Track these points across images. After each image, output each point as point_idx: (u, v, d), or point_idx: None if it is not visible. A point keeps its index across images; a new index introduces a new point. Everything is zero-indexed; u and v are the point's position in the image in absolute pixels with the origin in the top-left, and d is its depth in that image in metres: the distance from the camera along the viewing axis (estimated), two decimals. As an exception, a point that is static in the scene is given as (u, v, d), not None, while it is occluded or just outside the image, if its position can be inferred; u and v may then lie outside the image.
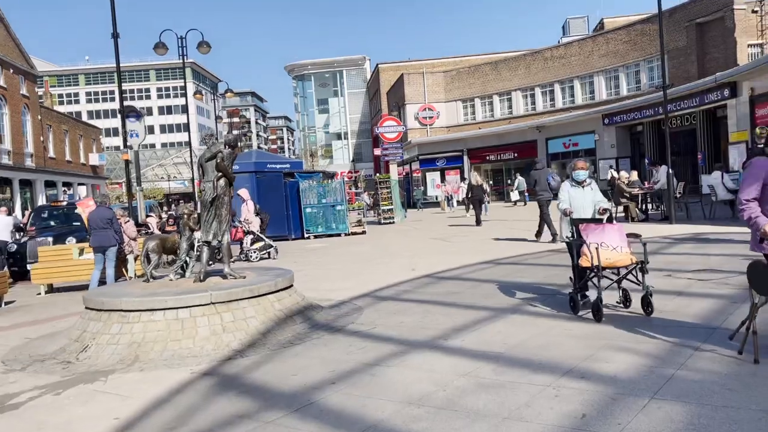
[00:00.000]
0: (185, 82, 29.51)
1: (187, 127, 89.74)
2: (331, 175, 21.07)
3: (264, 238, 14.39)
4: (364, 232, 20.35)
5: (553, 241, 12.18)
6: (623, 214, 16.76)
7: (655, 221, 15.71)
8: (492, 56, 48.77)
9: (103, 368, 5.38)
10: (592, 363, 4.42)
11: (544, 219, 12.98)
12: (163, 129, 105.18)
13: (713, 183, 14.15)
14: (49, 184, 44.07)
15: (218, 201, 6.89)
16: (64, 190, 45.91)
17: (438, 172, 44.16)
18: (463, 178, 42.36)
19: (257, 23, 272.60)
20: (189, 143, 23.28)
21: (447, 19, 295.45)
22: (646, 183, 19.51)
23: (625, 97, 34.87)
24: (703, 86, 25.39)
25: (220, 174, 6.92)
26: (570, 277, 6.43)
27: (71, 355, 5.80)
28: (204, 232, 6.91)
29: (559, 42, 46.24)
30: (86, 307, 6.36)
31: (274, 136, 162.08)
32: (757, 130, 9.45)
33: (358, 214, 21.25)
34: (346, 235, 20.08)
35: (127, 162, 14.96)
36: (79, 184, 49.34)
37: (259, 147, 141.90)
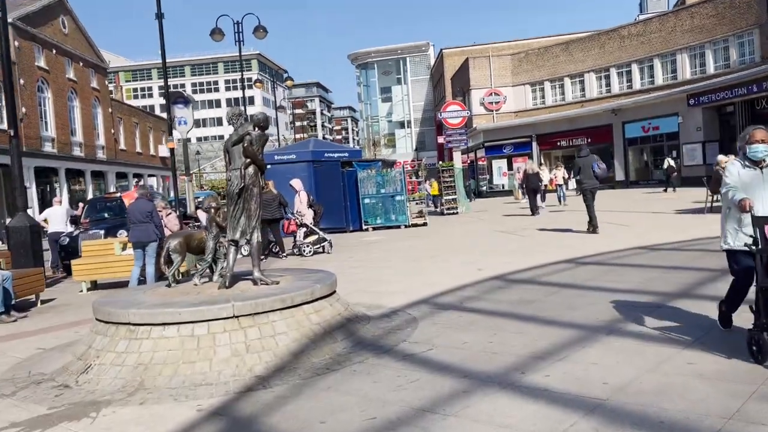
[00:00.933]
0: (242, 73, 28.69)
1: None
2: (391, 164, 19.93)
3: (318, 231, 13.41)
4: (425, 224, 19.11)
5: (594, 231, 12.13)
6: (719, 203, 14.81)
7: None
8: (562, 37, 46.13)
9: (100, 397, 4.43)
10: (744, 426, 3.07)
11: (588, 210, 12.44)
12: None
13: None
14: (120, 176, 45.12)
15: (247, 193, 5.83)
16: (136, 181, 46.99)
17: (505, 160, 42.24)
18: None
19: (320, 14, 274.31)
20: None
21: (514, 3, 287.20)
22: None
23: (711, 75, 31.91)
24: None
25: (249, 160, 5.85)
26: (750, 307, 4.21)
27: (71, 377, 4.90)
28: (230, 229, 5.89)
29: (636, 19, 43.12)
30: (95, 318, 5.47)
31: (338, 127, 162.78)
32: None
33: (419, 204, 19.98)
34: (406, 227, 18.91)
35: (172, 150, 14.27)
36: (149, 176, 50.40)
37: (324, 137, 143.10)
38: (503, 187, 41.47)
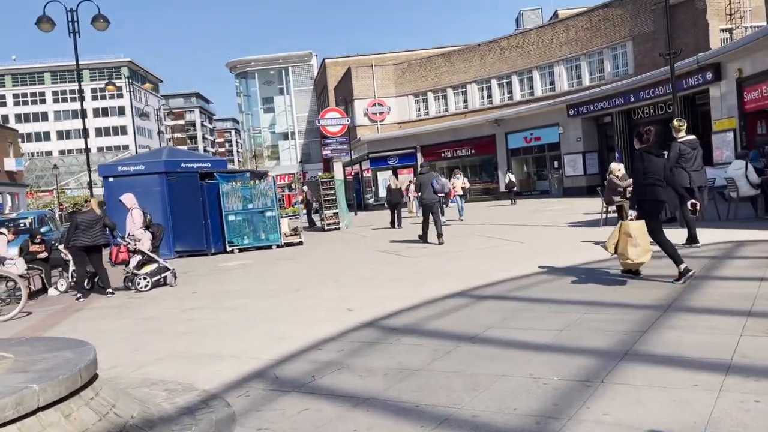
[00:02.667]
0: (79, 84, 24.97)
1: (123, 131, 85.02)
2: (261, 175, 17.45)
3: (157, 258, 10.72)
4: (300, 243, 16.84)
5: (440, 242, 12.76)
6: (615, 215, 13.75)
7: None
8: (445, 49, 45.78)
9: None
10: None
11: (423, 224, 13.60)
12: (99, 132, 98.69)
13: (734, 175, 11.22)
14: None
15: None
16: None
17: (389, 172, 40.86)
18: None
19: (200, 21, 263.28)
20: (86, 150, 19.32)
21: (396, 18, 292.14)
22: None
23: (587, 87, 32.38)
24: (681, 69, 22.85)
25: None
26: None
27: None
28: None
29: (515, 31, 43.58)
30: None
31: (221, 139, 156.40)
32: (675, 123, 8.64)
33: (292, 221, 17.67)
34: (278, 246, 16.53)
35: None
36: (-9, 193, 44.09)
37: (205, 150, 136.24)
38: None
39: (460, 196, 20.92)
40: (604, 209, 13.20)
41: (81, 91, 19.85)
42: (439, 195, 13.65)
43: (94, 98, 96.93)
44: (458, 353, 4.67)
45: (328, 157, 25.58)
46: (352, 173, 46.25)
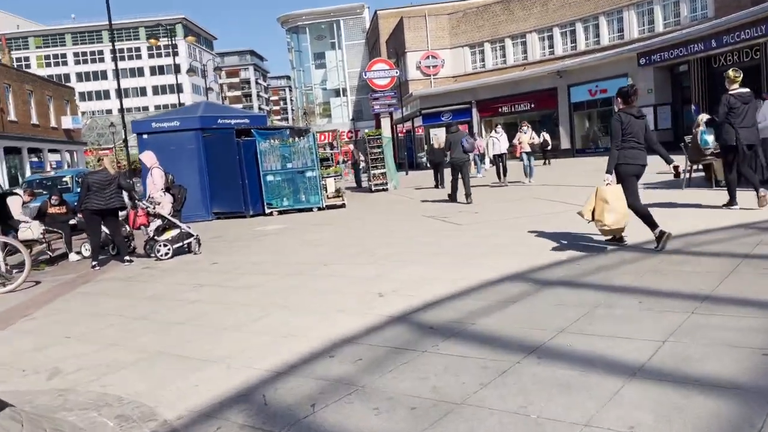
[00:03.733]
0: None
1: (180, 89, 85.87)
2: (303, 132, 16.18)
3: (179, 223, 9.74)
4: (343, 205, 15.66)
5: (468, 201, 12.93)
6: (701, 174, 11.88)
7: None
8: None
9: None
10: None
11: (452, 183, 13.80)
12: (155, 90, 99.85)
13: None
14: (11, 151, 39.48)
15: None
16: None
17: (443, 128, 39.00)
18: (471, 133, 37.33)
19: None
20: (121, 110, 18.50)
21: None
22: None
23: (660, 33, 29.45)
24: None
25: None
26: None
27: None
28: None
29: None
30: None
31: (276, 97, 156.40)
32: (731, 73, 7.86)
33: (336, 181, 16.46)
34: (319, 209, 15.41)
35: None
36: (50, 151, 44.80)
37: (260, 108, 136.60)
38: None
39: (527, 154, 17.24)
40: (688, 168, 11.34)
41: (114, 51, 18.88)
42: (469, 153, 13.84)
43: (150, 56, 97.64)
44: (517, 376, 3.34)
45: (376, 113, 24.15)
46: (404, 130, 44.63)
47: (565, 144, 32.78)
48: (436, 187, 18.88)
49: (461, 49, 40.68)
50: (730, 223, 7.21)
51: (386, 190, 20.65)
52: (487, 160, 23.91)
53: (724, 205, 8.25)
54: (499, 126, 15.86)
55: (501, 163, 17.49)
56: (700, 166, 11.47)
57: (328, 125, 63.23)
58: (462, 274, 5.95)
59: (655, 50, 26.43)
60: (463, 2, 46.08)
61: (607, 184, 6.07)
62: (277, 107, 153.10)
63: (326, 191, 16.33)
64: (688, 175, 11.38)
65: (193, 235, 9.71)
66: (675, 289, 4.70)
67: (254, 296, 6.07)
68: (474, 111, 37.16)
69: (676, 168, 6.62)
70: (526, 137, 17.42)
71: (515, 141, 17.47)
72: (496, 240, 8.00)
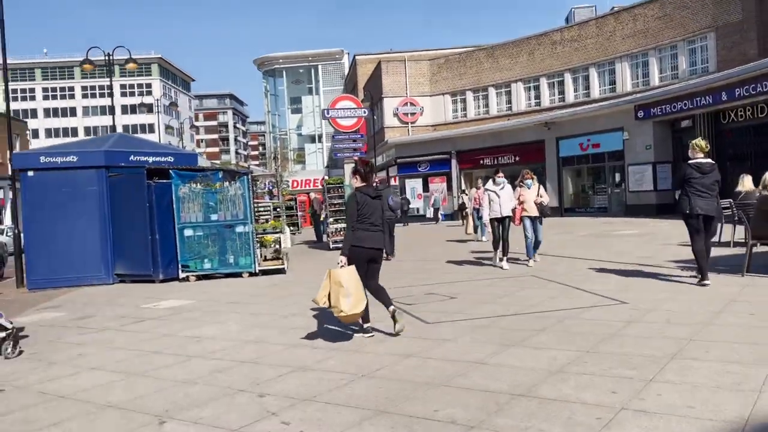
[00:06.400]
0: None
1: (151, 129, 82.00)
2: (240, 175, 12.71)
3: (-11, 307, 6.16)
4: (282, 270, 12.19)
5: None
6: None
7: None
8: (486, 44, 40.92)
9: None
10: None
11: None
12: (126, 130, 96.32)
13: None
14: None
15: None
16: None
17: (420, 179, 36.07)
18: (449, 188, 34.42)
19: (233, 23, 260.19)
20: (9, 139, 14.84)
21: (435, 21, 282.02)
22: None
23: (655, 87, 27.10)
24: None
25: None
26: None
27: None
28: None
29: (570, 22, 38.33)
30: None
31: (255, 142, 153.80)
32: (699, 142, 7.70)
33: (275, 239, 12.96)
34: (251, 275, 11.93)
35: None
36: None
37: (236, 152, 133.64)
38: (418, 211, 35.27)
39: (532, 219, 11.03)
40: (751, 244, 8.14)
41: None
42: (396, 212, 13.38)
43: (123, 95, 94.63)
44: None
45: (338, 158, 21.04)
46: (378, 181, 41.63)
47: (552, 202, 29.84)
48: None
49: (441, 97, 38.20)
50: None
51: (347, 248, 17.28)
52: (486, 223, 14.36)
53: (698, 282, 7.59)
54: (501, 174, 11.09)
55: (502, 231, 10.97)
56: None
57: (302, 172, 60.21)
58: None
59: (655, 103, 23.87)
60: (445, 49, 43.92)
61: (341, 266, 5.68)
62: (255, 152, 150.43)
63: (264, 250, 12.92)
64: (748, 252, 8.18)
65: (7, 329, 6.15)
66: None
67: None
68: (453, 162, 34.29)
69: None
70: (531, 194, 11.05)
71: (515, 202, 11.13)
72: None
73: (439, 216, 32.68)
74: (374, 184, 6.14)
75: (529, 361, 4.71)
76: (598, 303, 6.93)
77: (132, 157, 12.83)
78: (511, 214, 10.89)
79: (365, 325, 5.95)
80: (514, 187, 11.22)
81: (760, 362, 4.27)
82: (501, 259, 10.89)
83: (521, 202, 10.96)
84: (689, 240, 7.71)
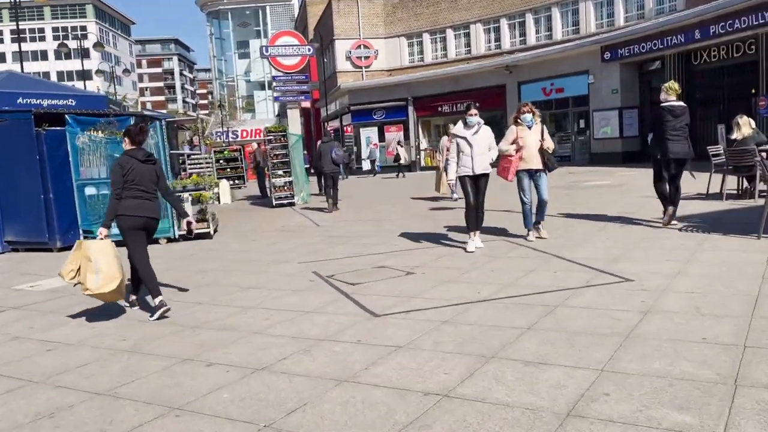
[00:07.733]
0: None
1: (86, 75, 76.96)
2: (151, 120, 10.55)
3: None
4: (209, 235, 10.33)
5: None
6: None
7: None
8: (445, -17, 38.43)
9: None
10: None
11: (326, 191, 13.52)
12: (61, 76, 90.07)
13: None
14: None
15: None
16: None
17: (375, 128, 34.10)
18: (406, 137, 32.61)
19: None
20: None
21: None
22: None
23: (621, 27, 25.54)
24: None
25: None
26: None
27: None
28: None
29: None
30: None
31: (203, 90, 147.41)
32: (673, 85, 7.61)
33: (202, 198, 10.97)
34: (170, 240, 10.05)
35: None
36: None
37: (184, 101, 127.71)
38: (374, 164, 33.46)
39: (531, 174, 7.68)
40: (749, 191, 6.68)
41: None
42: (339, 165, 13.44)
43: (56, 38, 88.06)
44: None
45: (280, 102, 18.92)
46: (332, 130, 39.47)
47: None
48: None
49: (397, 39, 35.85)
50: None
51: (293, 204, 15.51)
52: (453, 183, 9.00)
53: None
54: (474, 112, 7.46)
55: (476, 195, 7.47)
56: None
57: (251, 121, 57.27)
58: None
59: (623, 43, 22.35)
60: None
61: (100, 238, 5.10)
62: (204, 101, 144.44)
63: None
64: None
65: None
66: None
67: None
68: (410, 109, 32.39)
69: (189, 225, 6.07)
70: (533, 136, 7.60)
71: (507, 146, 7.70)
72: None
73: (376, 168, 31.15)
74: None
75: (523, 393, 3.09)
76: (593, 281, 5.38)
77: (21, 100, 10.60)
78: (488, 170, 7.39)
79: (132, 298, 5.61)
80: (507, 126, 8.16)
81: None
82: (471, 237, 7.47)
83: (518, 148, 7.51)
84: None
